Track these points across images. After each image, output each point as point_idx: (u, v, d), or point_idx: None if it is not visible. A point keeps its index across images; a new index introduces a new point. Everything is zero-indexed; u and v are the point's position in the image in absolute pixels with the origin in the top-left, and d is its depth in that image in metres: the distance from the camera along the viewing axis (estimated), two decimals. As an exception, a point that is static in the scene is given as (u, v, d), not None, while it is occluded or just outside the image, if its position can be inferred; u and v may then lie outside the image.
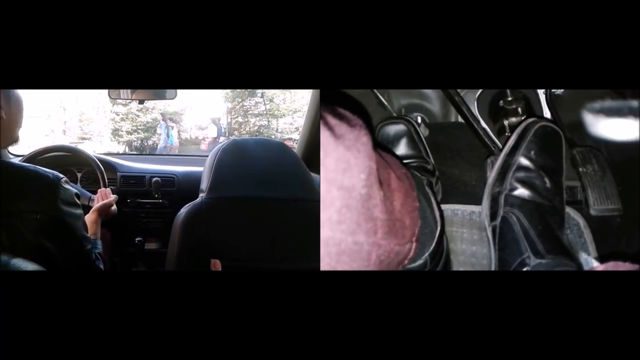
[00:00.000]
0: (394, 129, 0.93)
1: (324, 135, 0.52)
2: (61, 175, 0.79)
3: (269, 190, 0.93)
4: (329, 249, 0.50)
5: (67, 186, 0.79)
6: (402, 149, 0.92)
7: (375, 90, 1.12)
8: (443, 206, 0.90)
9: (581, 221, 0.86)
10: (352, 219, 0.51)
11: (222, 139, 7.00)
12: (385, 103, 1.12)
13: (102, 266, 0.88)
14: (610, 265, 0.63)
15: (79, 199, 0.82)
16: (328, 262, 0.51)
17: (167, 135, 7.15)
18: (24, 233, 0.73)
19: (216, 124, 7.41)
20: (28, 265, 0.63)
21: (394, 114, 1.11)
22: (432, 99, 1.13)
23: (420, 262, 0.65)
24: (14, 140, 0.82)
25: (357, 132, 0.54)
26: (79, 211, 0.81)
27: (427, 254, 0.66)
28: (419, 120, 1.09)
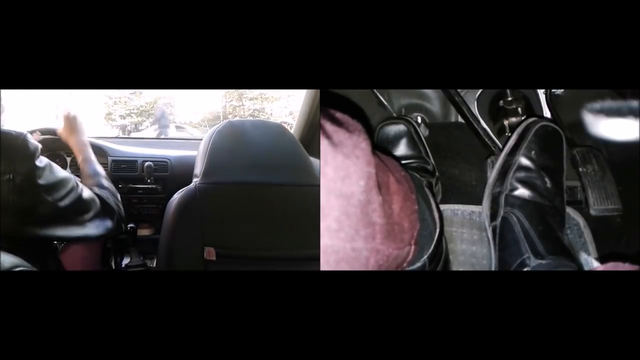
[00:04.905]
0: (394, 129, 0.92)
1: (323, 143, 0.51)
2: (24, 131, 0.76)
3: (267, 175, 0.88)
4: (327, 257, 0.50)
5: (32, 140, 0.76)
6: (402, 149, 0.92)
7: (375, 91, 1.11)
8: (443, 206, 0.90)
9: (581, 221, 0.86)
10: (350, 226, 0.50)
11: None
12: (385, 103, 1.12)
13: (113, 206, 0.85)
14: (610, 266, 0.63)
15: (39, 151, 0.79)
16: (327, 269, 0.51)
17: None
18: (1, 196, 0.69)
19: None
20: (6, 259, 0.61)
21: (394, 114, 1.11)
22: (432, 99, 1.13)
23: (418, 264, 0.65)
24: None
25: (356, 138, 0.53)
26: (46, 161, 0.78)
27: (425, 257, 0.66)
28: (419, 120, 1.09)
